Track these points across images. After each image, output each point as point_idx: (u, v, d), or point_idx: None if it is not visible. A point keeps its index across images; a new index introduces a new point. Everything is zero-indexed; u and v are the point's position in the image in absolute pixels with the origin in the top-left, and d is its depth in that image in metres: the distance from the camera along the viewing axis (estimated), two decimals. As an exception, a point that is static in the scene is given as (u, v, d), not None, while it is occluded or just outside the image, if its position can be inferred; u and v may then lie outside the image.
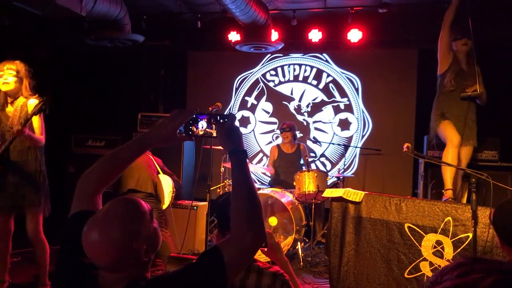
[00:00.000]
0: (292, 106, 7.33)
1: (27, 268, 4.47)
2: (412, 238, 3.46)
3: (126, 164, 1.72)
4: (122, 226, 1.44)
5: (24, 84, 3.77)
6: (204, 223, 5.16)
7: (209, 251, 1.50)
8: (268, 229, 2.26)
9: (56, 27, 6.54)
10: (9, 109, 3.76)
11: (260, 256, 2.14)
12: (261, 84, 7.47)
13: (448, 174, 4.27)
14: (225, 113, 1.73)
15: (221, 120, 1.67)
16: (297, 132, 6.49)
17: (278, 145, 6.36)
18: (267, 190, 5.55)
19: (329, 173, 6.33)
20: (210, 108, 4.72)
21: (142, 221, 1.49)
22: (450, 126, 4.36)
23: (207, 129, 1.70)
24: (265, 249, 2.24)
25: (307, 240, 5.57)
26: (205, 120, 1.70)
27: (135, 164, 4.55)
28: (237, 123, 1.67)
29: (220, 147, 5.74)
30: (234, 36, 6.62)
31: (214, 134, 1.68)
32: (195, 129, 1.70)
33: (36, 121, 3.77)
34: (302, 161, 6.21)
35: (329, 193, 3.96)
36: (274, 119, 7.42)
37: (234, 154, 1.58)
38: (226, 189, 5.89)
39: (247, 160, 1.61)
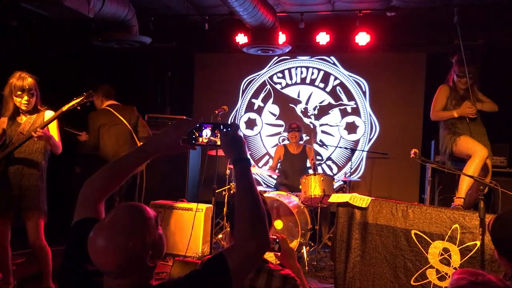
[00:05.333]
0: (299, 108, 7.31)
1: (31, 269, 4.46)
2: (419, 245, 3.43)
3: (129, 172, 1.72)
4: (128, 232, 1.44)
5: (38, 98, 3.83)
6: (210, 226, 5.14)
7: (214, 258, 1.50)
8: (279, 234, 2.26)
9: (64, 28, 6.55)
10: (21, 118, 3.80)
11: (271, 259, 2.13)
12: (268, 86, 7.45)
13: (465, 184, 4.19)
14: (228, 122, 1.74)
15: (224, 129, 1.69)
16: (303, 135, 6.47)
17: (284, 145, 6.36)
18: (273, 194, 5.54)
19: (335, 177, 6.30)
20: (217, 112, 4.71)
21: (147, 228, 1.49)
22: (470, 140, 4.29)
23: (211, 138, 1.71)
24: (278, 254, 2.24)
25: (312, 244, 5.54)
26: (209, 128, 1.71)
27: None
28: (240, 132, 1.67)
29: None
30: (241, 39, 6.61)
31: (218, 143, 1.70)
32: (199, 138, 1.71)
33: (54, 128, 3.82)
34: (308, 164, 6.20)
35: (335, 198, 3.94)
36: (280, 122, 7.40)
37: (238, 162, 1.60)
38: (231, 191, 5.87)
39: (251, 168, 1.62)
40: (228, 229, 5.32)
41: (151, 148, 1.71)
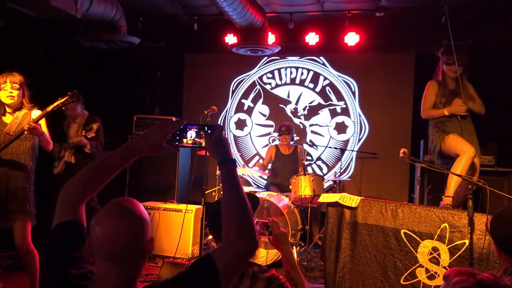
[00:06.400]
0: (288, 109, 7.31)
1: (19, 272, 4.41)
2: (408, 244, 3.44)
3: (111, 173, 1.68)
4: (135, 215, 1.48)
5: (25, 96, 3.79)
6: (199, 227, 5.12)
7: (202, 259, 1.48)
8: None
9: (52, 28, 6.50)
10: (7, 118, 3.75)
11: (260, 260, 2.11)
12: (258, 86, 7.45)
13: (453, 182, 4.20)
14: (212, 124, 1.73)
15: (209, 131, 1.67)
16: (294, 135, 6.48)
17: (276, 146, 6.35)
18: (263, 194, 5.52)
19: (325, 177, 6.30)
20: (206, 112, 4.69)
21: (147, 220, 1.53)
22: (459, 139, 4.29)
23: (196, 139, 1.70)
24: (271, 238, 2.25)
25: (303, 245, 5.53)
26: (194, 130, 1.71)
27: None
28: (225, 134, 1.67)
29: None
30: (230, 39, 6.59)
31: (203, 144, 1.70)
32: (183, 139, 1.70)
33: (43, 126, 3.79)
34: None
35: (325, 198, 3.94)
36: (270, 122, 7.39)
37: (223, 163, 1.60)
38: (221, 192, 5.84)
39: (236, 168, 1.63)
40: (210, 237, 5.30)
41: (134, 149, 1.68)
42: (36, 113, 3.77)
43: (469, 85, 4.52)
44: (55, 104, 3.65)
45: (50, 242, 1.58)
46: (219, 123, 7.50)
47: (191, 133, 1.70)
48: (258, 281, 1.97)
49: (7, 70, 3.74)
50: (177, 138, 1.69)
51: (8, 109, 3.75)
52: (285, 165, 6.19)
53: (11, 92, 3.68)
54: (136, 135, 6.60)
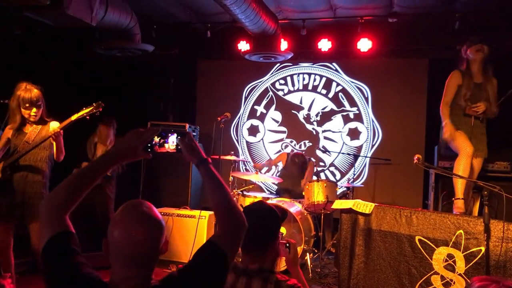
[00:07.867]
0: (301, 115, 7.31)
1: (33, 276, 4.44)
2: (423, 251, 3.41)
3: (92, 183, 1.71)
4: (155, 224, 1.55)
5: (44, 109, 3.88)
6: (213, 233, 5.12)
7: (207, 247, 1.61)
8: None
9: (67, 36, 6.58)
10: (26, 128, 3.84)
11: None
12: (270, 93, 7.46)
13: (459, 184, 4.21)
14: (181, 130, 1.83)
15: (179, 137, 1.80)
16: (306, 141, 6.45)
17: (288, 154, 6.32)
18: (276, 200, 5.52)
19: (338, 183, 6.28)
20: (219, 118, 4.72)
21: (163, 224, 1.60)
22: (462, 136, 4.31)
23: (175, 144, 1.82)
24: (289, 257, 2.33)
25: (316, 251, 5.51)
26: (174, 136, 1.82)
27: None
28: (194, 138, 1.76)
29: (228, 157, 5.73)
30: (243, 46, 6.63)
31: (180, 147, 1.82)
32: (165, 145, 1.81)
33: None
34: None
35: (338, 204, 3.93)
36: (283, 128, 7.40)
37: (201, 164, 1.76)
38: (235, 198, 5.86)
39: (212, 166, 1.77)
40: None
41: (112, 156, 1.74)
42: (54, 124, 3.85)
43: (493, 80, 4.48)
44: (80, 114, 3.73)
45: (49, 255, 1.56)
46: (232, 129, 7.54)
47: (173, 139, 1.82)
48: None
49: (23, 80, 3.80)
50: (159, 144, 1.79)
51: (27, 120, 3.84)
52: (295, 175, 6.15)
53: (35, 112, 3.78)
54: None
